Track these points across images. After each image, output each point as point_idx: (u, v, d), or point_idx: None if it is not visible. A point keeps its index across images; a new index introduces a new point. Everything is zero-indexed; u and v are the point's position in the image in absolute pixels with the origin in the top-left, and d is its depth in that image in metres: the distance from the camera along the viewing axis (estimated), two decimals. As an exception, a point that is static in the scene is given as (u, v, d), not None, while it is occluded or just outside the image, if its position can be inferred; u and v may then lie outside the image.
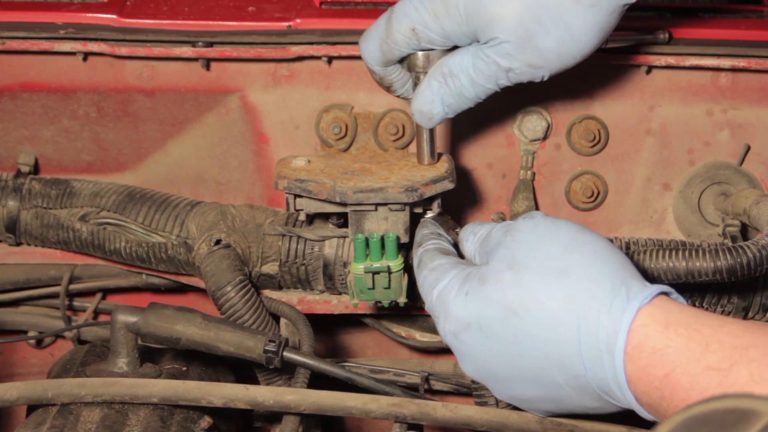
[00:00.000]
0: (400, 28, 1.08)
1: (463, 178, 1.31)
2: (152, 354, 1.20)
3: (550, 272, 0.91)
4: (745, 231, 1.27)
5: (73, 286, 1.40)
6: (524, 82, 1.08)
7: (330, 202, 1.13)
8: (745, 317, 1.26)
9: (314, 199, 1.14)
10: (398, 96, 1.17)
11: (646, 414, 0.88)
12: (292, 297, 1.27)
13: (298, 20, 1.25)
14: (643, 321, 0.86)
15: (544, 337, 0.90)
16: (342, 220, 1.20)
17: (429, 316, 1.34)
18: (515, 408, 1.11)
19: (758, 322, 0.86)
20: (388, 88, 1.16)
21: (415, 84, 1.12)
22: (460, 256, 1.08)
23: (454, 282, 0.98)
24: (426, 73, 1.10)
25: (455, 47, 1.09)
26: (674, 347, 0.83)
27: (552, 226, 0.95)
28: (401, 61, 1.12)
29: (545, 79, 1.08)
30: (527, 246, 0.94)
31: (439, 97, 1.09)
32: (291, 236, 1.24)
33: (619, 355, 0.86)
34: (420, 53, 1.10)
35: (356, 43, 1.23)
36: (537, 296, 0.90)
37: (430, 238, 1.09)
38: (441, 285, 0.99)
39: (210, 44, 1.24)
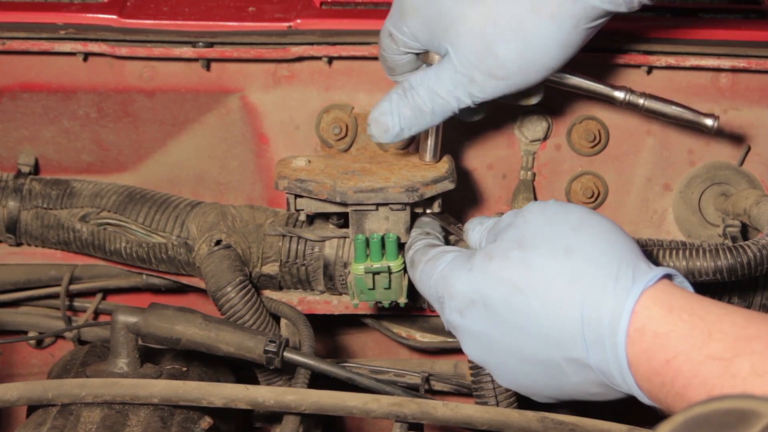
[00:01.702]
0: (382, 35, 1.10)
1: (464, 178, 1.31)
2: (152, 354, 1.20)
3: (556, 251, 0.91)
4: (745, 231, 1.27)
5: (74, 287, 1.41)
6: (486, 99, 1.06)
7: (330, 202, 1.13)
8: (745, 317, 1.26)
9: (315, 199, 1.14)
10: None
11: (646, 399, 0.88)
12: (292, 297, 1.27)
13: (298, 20, 1.25)
14: (646, 303, 0.86)
15: (548, 316, 0.90)
16: (342, 221, 1.20)
17: (429, 316, 1.36)
18: (517, 406, 1.12)
19: (761, 313, 0.86)
20: None
21: None
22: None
23: (456, 262, 0.99)
24: None
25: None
26: (677, 333, 0.83)
27: (562, 209, 0.96)
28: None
29: (509, 92, 1.06)
30: (536, 226, 0.95)
31: (396, 108, 1.07)
32: (291, 237, 1.24)
33: (621, 336, 0.86)
34: (435, 54, 1.09)
35: (356, 43, 1.24)
36: (542, 275, 0.91)
37: (417, 239, 1.10)
38: (441, 267, 1.00)
39: (210, 45, 1.24)
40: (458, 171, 1.19)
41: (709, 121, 1.15)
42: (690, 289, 0.91)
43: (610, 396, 0.93)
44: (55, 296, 1.41)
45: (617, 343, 0.86)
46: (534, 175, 1.32)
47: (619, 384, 0.89)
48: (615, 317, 0.86)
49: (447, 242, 1.13)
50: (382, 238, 1.11)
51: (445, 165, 1.17)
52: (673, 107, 1.17)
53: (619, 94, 1.16)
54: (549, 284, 0.90)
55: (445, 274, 0.99)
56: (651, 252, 1.14)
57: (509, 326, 0.93)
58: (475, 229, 1.07)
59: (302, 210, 1.16)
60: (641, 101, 1.16)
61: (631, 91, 1.16)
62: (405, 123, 1.08)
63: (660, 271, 0.89)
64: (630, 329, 0.86)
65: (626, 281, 0.88)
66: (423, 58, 1.10)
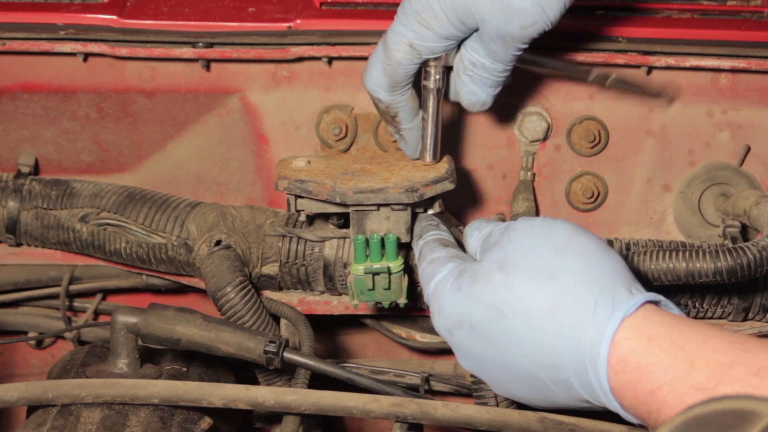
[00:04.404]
0: (398, 48, 1.10)
1: (464, 178, 1.31)
2: (152, 355, 1.20)
3: (538, 275, 0.90)
4: (745, 232, 1.27)
5: (74, 287, 1.41)
6: (535, 36, 1.08)
7: (330, 202, 1.13)
8: (745, 318, 1.26)
9: (315, 199, 1.14)
10: (402, 129, 1.16)
11: (634, 420, 0.88)
12: (292, 298, 1.27)
13: (298, 21, 1.25)
14: (626, 334, 0.85)
15: (530, 340, 0.90)
16: (342, 221, 1.20)
17: (429, 317, 1.36)
18: (516, 406, 1.12)
19: (740, 333, 0.86)
20: (393, 119, 1.15)
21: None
22: (462, 249, 1.08)
23: (448, 276, 0.98)
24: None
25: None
26: (659, 364, 0.82)
27: (547, 228, 0.95)
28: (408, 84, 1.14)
29: (548, 28, 1.08)
30: (520, 247, 0.94)
31: (478, 86, 1.13)
32: (291, 237, 1.24)
33: (603, 365, 0.85)
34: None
35: (356, 44, 1.24)
36: (524, 300, 0.90)
37: (429, 229, 1.10)
38: (436, 279, 1.00)
39: (210, 45, 1.24)
40: (458, 171, 1.19)
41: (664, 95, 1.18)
42: (675, 310, 0.90)
43: (601, 409, 0.92)
44: (55, 296, 1.41)
45: (599, 373, 0.86)
46: (534, 175, 1.32)
47: (606, 406, 0.88)
48: (595, 347, 0.86)
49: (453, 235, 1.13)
50: (382, 239, 1.11)
51: (445, 165, 1.17)
52: (637, 86, 1.21)
53: (587, 77, 1.20)
54: (530, 310, 0.90)
55: (437, 289, 0.99)
56: (651, 253, 1.14)
57: (495, 347, 0.93)
58: (473, 235, 1.06)
59: (302, 210, 1.16)
60: (612, 76, 1.19)
61: (599, 71, 1.19)
62: (492, 89, 1.14)
63: (640, 297, 0.88)
64: (612, 359, 0.85)
65: (606, 309, 0.87)
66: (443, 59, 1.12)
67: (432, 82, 1.13)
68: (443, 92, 1.14)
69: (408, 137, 1.17)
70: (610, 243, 1.23)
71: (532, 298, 0.90)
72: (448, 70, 1.13)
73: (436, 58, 1.11)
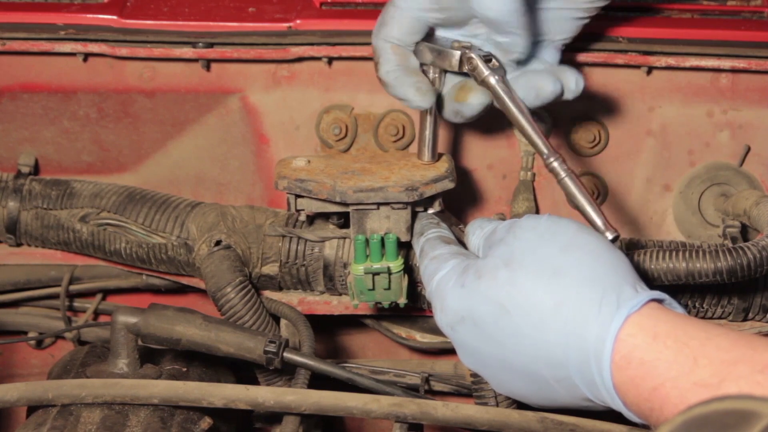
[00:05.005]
0: (404, 18, 1.08)
1: (464, 178, 1.31)
2: (152, 355, 1.20)
3: (543, 273, 0.91)
4: (745, 232, 1.27)
5: (74, 287, 1.41)
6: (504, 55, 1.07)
7: (330, 201, 1.13)
8: (745, 318, 1.26)
9: (315, 198, 1.14)
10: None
11: (636, 419, 0.88)
12: (292, 298, 1.27)
13: (298, 21, 1.25)
14: (631, 331, 0.85)
15: (534, 337, 0.90)
16: (342, 220, 1.20)
17: (429, 317, 1.36)
18: (517, 406, 1.12)
19: (745, 332, 0.86)
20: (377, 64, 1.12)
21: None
22: (463, 247, 1.08)
23: (452, 273, 0.98)
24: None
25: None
26: (663, 360, 0.83)
27: (553, 226, 0.95)
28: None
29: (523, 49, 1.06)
30: (526, 244, 0.94)
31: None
32: (291, 237, 1.24)
33: (606, 362, 0.85)
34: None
35: (356, 44, 1.24)
36: (529, 296, 0.90)
37: (430, 227, 1.10)
38: (439, 275, 1.00)
39: (210, 45, 1.24)
40: (458, 171, 1.19)
41: (607, 235, 0.99)
42: (678, 309, 0.90)
43: (602, 408, 0.92)
44: (55, 296, 1.41)
45: (603, 370, 0.86)
46: (534, 175, 1.32)
47: (609, 404, 0.89)
48: (599, 344, 0.86)
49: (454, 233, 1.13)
50: (382, 239, 1.11)
51: (444, 164, 1.17)
52: (582, 200, 1.02)
53: (547, 158, 1.04)
54: (535, 307, 0.90)
55: (440, 285, 0.99)
56: (651, 253, 1.14)
57: (498, 344, 0.93)
58: (475, 233, 1.06)
59: (302, 210, 1.16)
60: (562, 175, 1.03)
61: (563, 161, 1.03)
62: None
63: (645, 295, 0.88)
64: (615, 356, 0.85)
65: (611, 306, 0.87)
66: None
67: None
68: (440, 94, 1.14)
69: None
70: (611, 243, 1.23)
71: (537, 295, 0.90)
72: (445, 72, 1.13)
73: (432, 62, 1.10)
